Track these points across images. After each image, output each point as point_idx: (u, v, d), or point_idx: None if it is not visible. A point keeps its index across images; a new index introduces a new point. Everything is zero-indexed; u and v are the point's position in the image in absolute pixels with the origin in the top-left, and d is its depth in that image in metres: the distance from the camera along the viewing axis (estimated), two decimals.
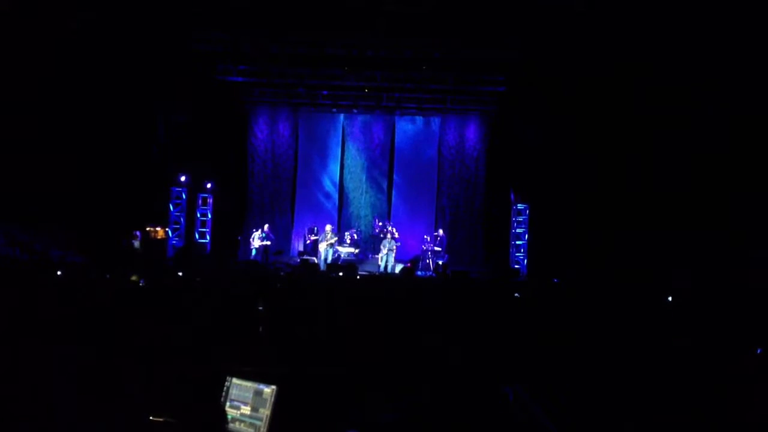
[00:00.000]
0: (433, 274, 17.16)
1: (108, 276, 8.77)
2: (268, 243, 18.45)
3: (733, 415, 3.17)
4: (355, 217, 20.26)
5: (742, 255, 12.20)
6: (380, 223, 19.22)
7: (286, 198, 20.77)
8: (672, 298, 8.30)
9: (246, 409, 3.11)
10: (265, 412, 3.06)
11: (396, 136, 20.66)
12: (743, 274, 11.36)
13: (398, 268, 17.43)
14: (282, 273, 13.48)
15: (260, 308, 5.65)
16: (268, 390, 3.10)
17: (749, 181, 12.97)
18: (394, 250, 17.83)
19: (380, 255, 17.93)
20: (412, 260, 17.81)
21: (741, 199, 12.97)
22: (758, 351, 4.03)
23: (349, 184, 20.67)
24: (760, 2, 12.01)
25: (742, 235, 12.71)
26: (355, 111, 20.42)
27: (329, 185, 20.78)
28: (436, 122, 20.62)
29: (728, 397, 3.28)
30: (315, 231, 18.88)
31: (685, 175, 14.06)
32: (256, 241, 18.37)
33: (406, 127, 20.73)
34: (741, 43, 12.59)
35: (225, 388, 3.21)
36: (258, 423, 3.06)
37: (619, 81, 14.86)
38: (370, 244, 19.63)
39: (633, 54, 14.20)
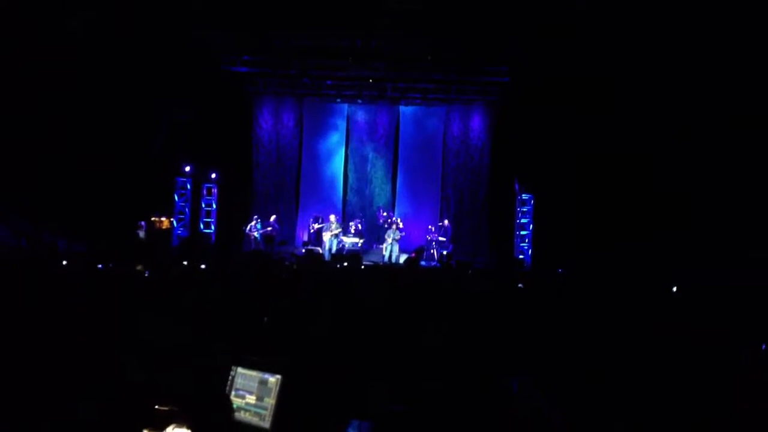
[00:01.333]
0: (438, 264, 17.17)
1: (113, 266, 8.80)
2: (270, 229, 18.49)
3: (739, 410, 3.16)
4: (360, 207, 20.25)
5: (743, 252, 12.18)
6: (385, 213, 19.23)
7: (290, 188, 20.78)
8: (677, 289, 8.29)
9: (251, 399, 3.12)
10: (270, 401, 3.06)
11: (401, 127, 20.64)
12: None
13: (402, 258, 17.43)
14: (287, 263, 13.48)
15: (265, 298, 5.65)
16: (273, 379, 3.10)
17: (752, 176, 12.93)
18: (399, 240, 17.85)
19: (384, 245, 17.94)
20: (416, 250, 17.81)
21: (744, 193, 12.93)
22: (763, 347, 4.01)
23: (354, 174, 20.66)
24: (760, 2, 11.96)
25: (744, 230, 12.68)
26: (359, 101, 20.38)
27: (334, 175, 20.76)
28: (440, 112, 20.57)
29: (734, 391, 3.27)
30: (320, 220, 18.88)
31: (691, 167, 14.01)
32: (254, 231, 18.40)
33: (410, 118, 20.69)
34: (742, 41, 12.53)
35: (230, 377, 3.22)
36: (263, 412, 3.07)
37: (624, 73, 14.81)
38: (374, 234, 19.65)
39: (638, 46, 14.14)
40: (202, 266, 9.84)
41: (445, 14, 14.94)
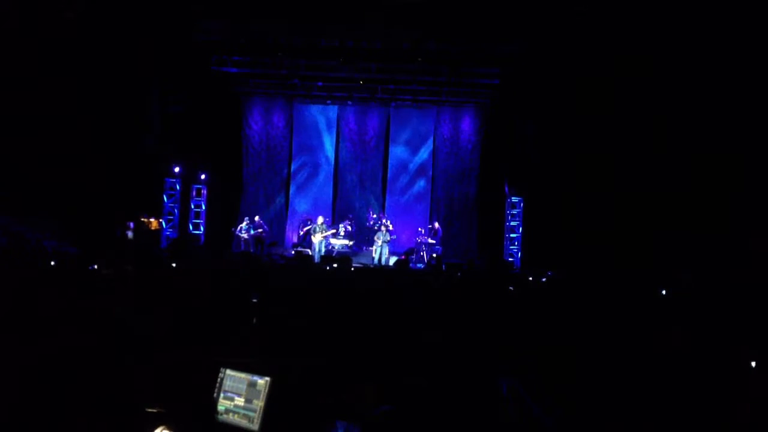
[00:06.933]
0: (427, 267, 17.16)
1: (101, 267, 8.76)
2: (260, 231, 18.48)
3: (727, 412, 3.18)
4: (350, 209, 20.23)
5: (741, 248, 12.21)
6: (374, 215, 19.22)
7: (280, 189, 20.76)
8: (666, 292, 8.32)
9: (240, 401, 3.11)
10: (259, 403, 3.06)
11: (391, 128, 20.63)
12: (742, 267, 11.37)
13: (392, 260, 17.43)
14: (276, 265, 13.47)
15: (254, 300, 5.65)
16: (262, 381, 3.10)
17: (746, 174, 12.99)
18: (389, 243, 17.84)
19: (374, 247, 17.93)
20: (406, 252, 17.84)
21: (738, 193, 12.99)
22: (753, 364, 4.00)
23: (344, 176, 20.66)
24: (761, 3, 12.03)
25: (740, 228, 12.72)
26: (350, 103, 20.38)
27: (324, 177, 20.74)
28: (431, 114, 20.59)
29: (722, 395, 3.29)
30: (309, 222, 18.87)
31: (682, 169, 14.07)
32: (243, 233, 18.40)
33: (401, 119, 20.68)
34: (741, 41, 12.59)
35: (219, 379, 3.21)
36: (252, 414, 3.06)
37: (616, 75, 14.85)
38: (364, 237, 19.63)
39: (630, 48, 14.19)
40: (191, 267, 9.81)
41: (436, 15, 14.95)
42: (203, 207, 19.84)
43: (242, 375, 3.17)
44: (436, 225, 18.78)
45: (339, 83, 19.33)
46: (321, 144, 20.78)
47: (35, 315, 3.98)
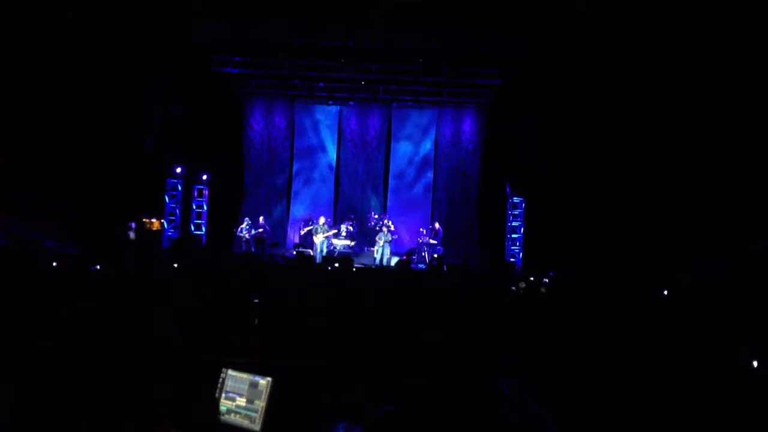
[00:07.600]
0: (429, 267, 17.15)
1: (102, 267, 8.77)
2: (261, 230, 18.50)
3: (727, 412, 3.18)
4: (351, 210, 20.21)
5: (741, 248, 12.21)
6: (376, 216, 19.22)
7: (282, 190, 20.74)
8: (667, 292, 8.32)
9: (242, 401, 3.12)
10: (261, 403, 3.07)
11: (392, 129, 20.60)
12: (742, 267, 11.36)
13: (394, 260, 17.43)
14: (277, 265, 13.47)
15: (256, 300, 5.65)
16: (264, 382, 3.10)
17: (745, 174, 12.98)
18: (390, 243, 17.84)
19: (376, 248, 17.93)
20: (407, 253, 17.84)
21: (738, 193, 12.98)
22: (754, 364, 4.00)
23: (345, 177, 20.63)
24: (761, 3, 12.03)
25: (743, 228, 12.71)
26: (351, 103, 20.36)
27: (325, 177, 20.72)
28: (432, 115, 20.56)
29: (722, 395, 3.29)
30: (310, 223, 18.88)
31: (682, 169, 14.06)
32: (244, 233, 18.41)
33: (402, 120, 20.65)
34: (741, 41, 12.58)
35: (221, 379, 3.22)
36: (253, 414, 3.07)
37: (616, 74, 14.85)
38: (365, 237, 19.63)
39: (631, 47, 14.19)
40: (193, 268, 9.82)
41: (437, 16, 14.96)
42: (205, 207, 19.84)
43: (244, 375, 3.18)
44: (437, 225, 18.77)
45: (340, 84, 19.33)
46: (322, 145, 20.76)
47: (36, 315, 3.98)
